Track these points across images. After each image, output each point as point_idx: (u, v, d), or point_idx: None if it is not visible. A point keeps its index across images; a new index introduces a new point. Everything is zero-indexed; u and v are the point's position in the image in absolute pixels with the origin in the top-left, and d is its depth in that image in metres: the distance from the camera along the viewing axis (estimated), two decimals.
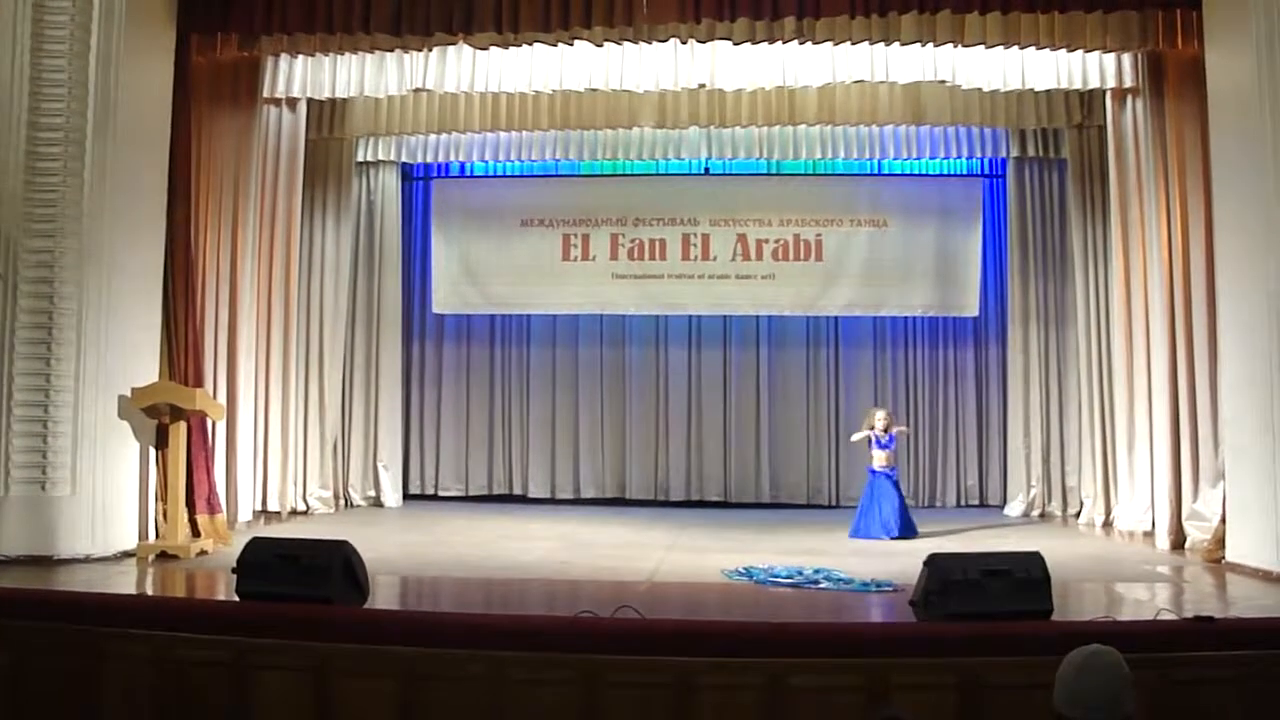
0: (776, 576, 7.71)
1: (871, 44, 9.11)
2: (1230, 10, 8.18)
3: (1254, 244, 7.82)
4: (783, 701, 5.02)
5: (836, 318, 12.68)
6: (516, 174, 12.93)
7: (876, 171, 12.60)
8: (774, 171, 12.65)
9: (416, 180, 13.18)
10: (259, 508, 10.45)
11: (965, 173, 12.68)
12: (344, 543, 5.93)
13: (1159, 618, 5.85)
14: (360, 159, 12.39)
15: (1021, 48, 9.20)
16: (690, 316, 12.81)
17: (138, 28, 8.53)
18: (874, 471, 10.29)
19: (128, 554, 8.29)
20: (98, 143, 8.14)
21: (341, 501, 11.96)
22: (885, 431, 10.38)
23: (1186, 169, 9.10)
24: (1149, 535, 9.50)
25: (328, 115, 11.41)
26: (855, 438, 10.85)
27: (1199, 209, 8.93)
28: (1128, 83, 9.73)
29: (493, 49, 9.43)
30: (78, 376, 8.04)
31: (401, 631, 5.46)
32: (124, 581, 7.45)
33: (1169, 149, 9.30)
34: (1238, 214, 8.11)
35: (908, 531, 9.91)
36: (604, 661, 5.13)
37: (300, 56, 9.99)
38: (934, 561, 5.71)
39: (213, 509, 9.10)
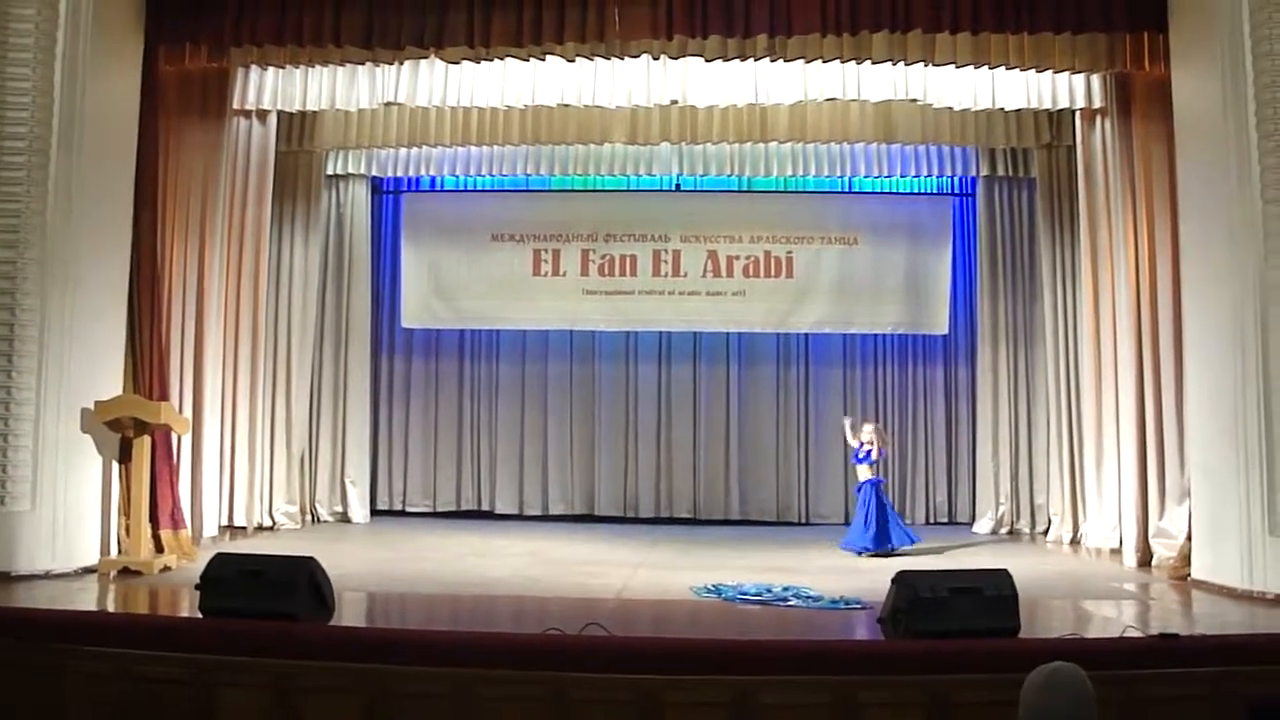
0: (745, 594, 7.69)
1: (843, 62, 9.15)
2: (1196, 33, 8.28)
3: (1219, 264, 7.89)
4: (751, 719, 5.00)
5: (806, 335, 12.69)
6: (487, 188, 12.89)
7: (847, 189, 12.63)
8: (745, 188, 12.67)
9: (386, 194, 13.12)
10: (224, 523, 10.34)
11: (935, 191, 12.75)
12: (309, 559, 5.89)
13: (1125, 635, 5.88)
14: (330, 172, 12.32)
15: (991, 68, 9.29)
16: (660, 333, 12.80)
17: (104, 37, 8.45)
18: (871, 483, 10.17)
19: (89, 570, 8.18)
20: (62, 153, 8.04)
21: (308, 517, 11.85)
22: (872, 444, 10.31)
23: (1154, 189, 9.20)
24: (1116, 553, 9.56)
25: (297, 127, 11.36)
26: (849, 433, 10.77)
27: (1166, 229, 9.02)
28: (1096, 103, 9.83)
29: (464, 63, 9.41)
30: (39, 389, 7.92)
31: (367, 648, 5.41)
32: (85, 598, 7.37)
33: (1136, 169, 9.40)
34: (1203, 234, 8.19)
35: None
36: (571, 679, 5.10)
37: (270, 68, 9.93)
38: (902, 579, 5.72)
39: (176, 524, 9.00)
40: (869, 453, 10.29)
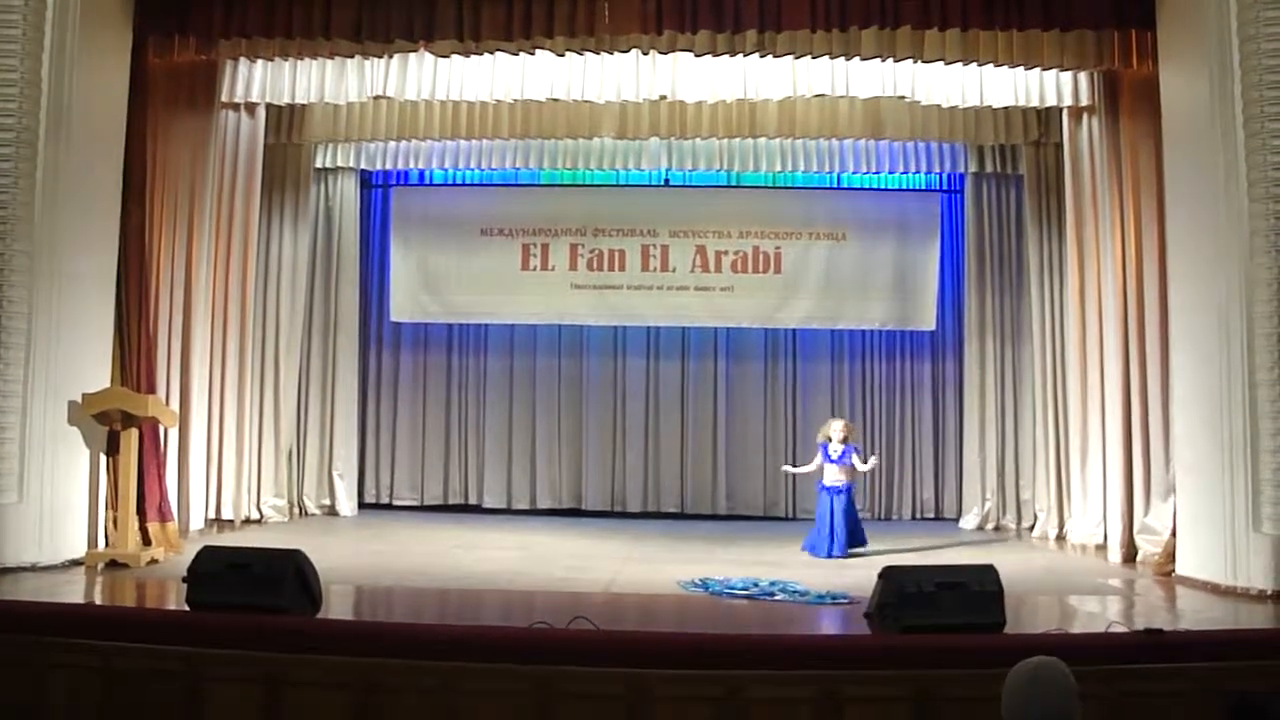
0: (732, 588, 7.70)
1: (832, 58, 9.18)
2: (1184, 32, 8.30)
3: (1205, 262, 7.92)
4: (737, 713, 5.02)
5: (794, 330, 12.72)
6: (476, 183, 12.85)
7: (836, 185, 12.62)
8: (734, 184, 12.66)
9: (375, 188, 13.09)
10: (212, 516, 10.34)
11: (923, 187, 12.77)
12: (297, 552, 5.87)
13: (1110, 630, 5.91)
14: (319, 165, 12.30)
15: (980, 65, 9.30)
16: (648, 327, 12.80)
17: (93, 28, 8.41)
18: (824, 488, 9.78)
19: (76, 562, 8.16)
20: (50, 144, 8.00)
21: (296, 510, 11.84)
22: (843, 443, 9.83)
23: (1140, 187, 9.24)
24: (1101, 549, 9.61)
25: (286, 120, 11.31)
26: (803, 470, 10.50)
27: (1152, 226, 9.06)
28: (1084, 101, 9.87)
29: (454, 57, 9.39)
30: (26, 381, 7.88)
31: (354, 642, 5.41)
32: (72, 590, 7.34)
33: (1124, 167, 9.44)
34: (1189, 232, 8.22)
35: (854, 544, 9.58)
36: (558, 673, 5.11)
37: (259, 61, 9.90)
38: (889, 574, 5.74)
39: (164, 517, 8.99)
40: (844, 452, 9.82)
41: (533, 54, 9.31)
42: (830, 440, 9.90)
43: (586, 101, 10.16)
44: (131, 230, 9.04)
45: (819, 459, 10.01)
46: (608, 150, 11.99)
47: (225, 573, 5.72)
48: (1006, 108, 10.43)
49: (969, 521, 11.83)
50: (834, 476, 9.84)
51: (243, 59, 9.84)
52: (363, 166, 12.57)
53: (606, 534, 10.89)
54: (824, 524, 9.64)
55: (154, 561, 8.46)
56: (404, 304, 12.76)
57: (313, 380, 12.28)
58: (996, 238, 12.22)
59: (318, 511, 12.09)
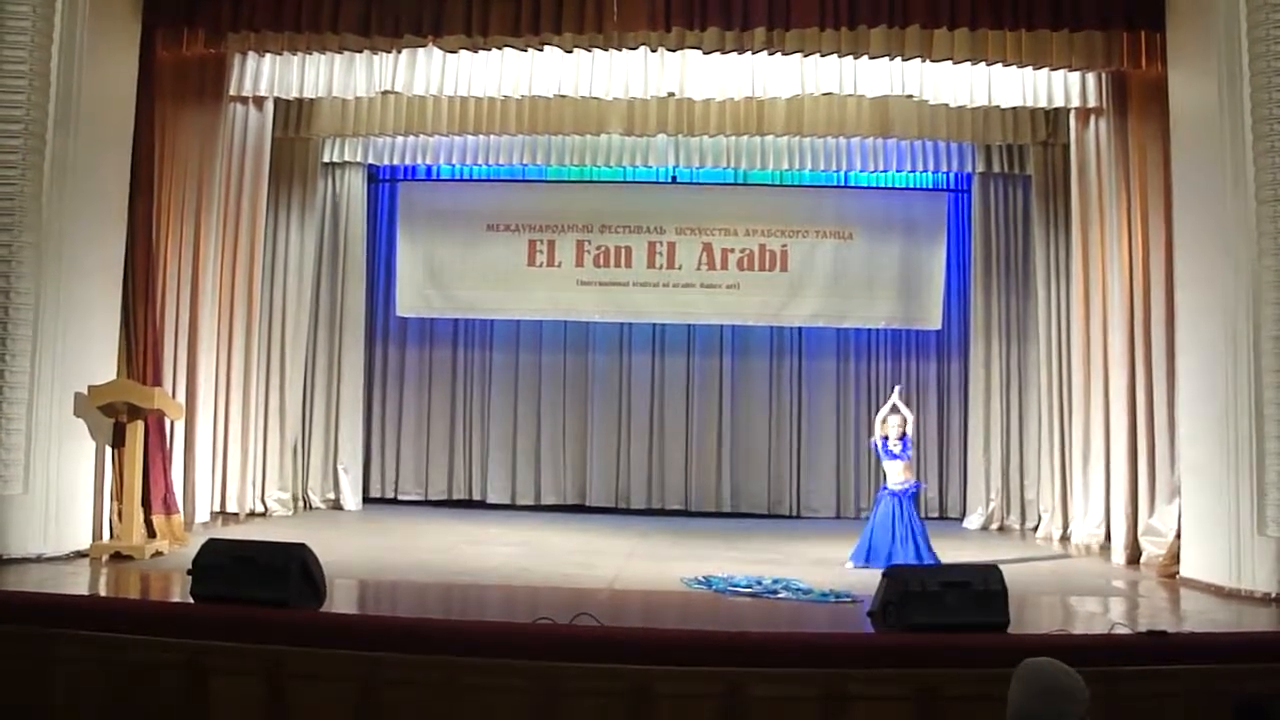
0: (736, 586, 7.71)
1: (840, 57, 9.15)
2: (1193, 33, 8.29)
3: (1212, 264, 7.91)
4: (740, 710, 5.02)
5: (800, 328, 12.73)
6: (483, 178, 12.88)
7: (843, 184, 12.63)
8: (741, 181, 12.66)
9: (383, 182, 13.11)
10: (216, 509, 10.34)
11: (931, 187, 12.77)
12: (301, 545, 5.88)
13: (1113, 631, 5.91)
14: (326, 159, 12.29)
15: (989, 64, 9.28)
16: (654, 325, 12.81)
17: (102, 20, 8.43)
18: (890, 493, 8.92)
19: (81, 554, 8.18)
20: (59, 136, 8.03)
21: (300, 504, 11.85)
22: (900, 438, 9.00)
23: (1148, 188, 9.23)
24: (1105, 549, 9.60)
25: (294, 115, 11.32)
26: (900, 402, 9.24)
27: (1159, 228, 9.05)
28: (1092, 102, 9.85)
29: (462, 52, 9.40)
30: (33, 373, 7.91)
31: (358, 636, 5.42)
32: (76, 582, 7.35)
33: (1131, 168, 9.42)
34: (1197, 234, 8.21)
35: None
36: (561, 669, 5.11)
37: (268, 55, 9.91)
38: (893, 573, 5.74)
39: (169, 509, 9.00)
40: (905, 445, 8.98)
41: (541, 50, 9.31)
42: (889, 437, 9.02)
43: (594, 98, 10.17)
44: (139, 223, 9.05)
45: (897, 400, 9.11)
46: (615, 147, 11.98)
47: (230, 566, 5.72)
48: (1014, 108, 10.42)
49: (973, 522, 11.82)
50: (899, 476, 8.98)
51: (251, 52, 9.84)
52: (370, 161, 12.55)
53: (610, 530, 10.90)
54: (897, 534, 8.71)
55: (159, 554, 8.47)
56: (410, 299, 12.77)
57: (318, 374, 12.29)
58: (1003, 238, 12.22)
59: (322, 505, 12.11)
